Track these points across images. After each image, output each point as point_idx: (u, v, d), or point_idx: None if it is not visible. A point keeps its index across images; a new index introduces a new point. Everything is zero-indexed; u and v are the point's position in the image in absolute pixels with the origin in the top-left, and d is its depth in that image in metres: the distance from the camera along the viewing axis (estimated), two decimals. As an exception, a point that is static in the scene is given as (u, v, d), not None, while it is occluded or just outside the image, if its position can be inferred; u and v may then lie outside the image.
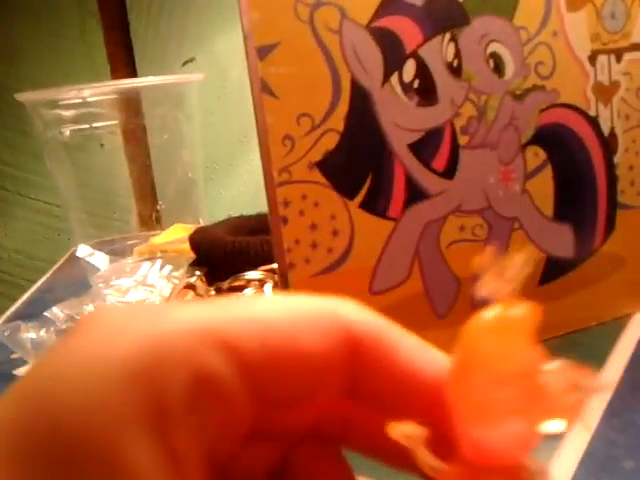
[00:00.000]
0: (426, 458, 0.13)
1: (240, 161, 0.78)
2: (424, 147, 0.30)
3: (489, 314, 0.13)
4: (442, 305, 0.31)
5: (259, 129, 0.28)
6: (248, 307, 0.14)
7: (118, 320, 0.13)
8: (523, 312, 0.14)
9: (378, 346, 0.14)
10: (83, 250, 0.46)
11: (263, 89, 0.27)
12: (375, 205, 0.29)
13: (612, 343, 0.33)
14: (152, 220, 0.59)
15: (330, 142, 0.28)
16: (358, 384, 0.14)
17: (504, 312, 0.13)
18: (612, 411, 0.28)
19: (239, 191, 0.77)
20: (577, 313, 0.34)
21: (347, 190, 0.29)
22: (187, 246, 0.47)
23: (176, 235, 0.55)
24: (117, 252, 0.51)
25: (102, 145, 0.58)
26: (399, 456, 0.14)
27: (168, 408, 0.12)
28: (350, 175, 0.29)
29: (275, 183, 0.28)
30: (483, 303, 0.14)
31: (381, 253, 0.30)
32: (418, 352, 0.14)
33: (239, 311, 0.14)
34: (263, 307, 0.14)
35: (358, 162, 0.29)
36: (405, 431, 0.13)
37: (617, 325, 0.35)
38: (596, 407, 0.28)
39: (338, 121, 0.28)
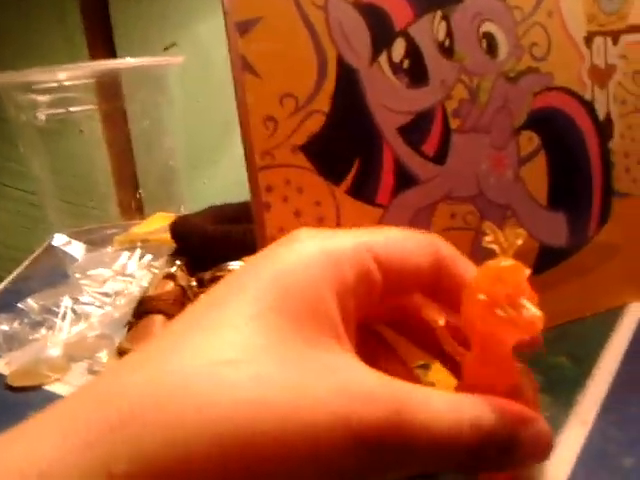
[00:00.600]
0: (447, 339, 0.21)
1: (225, 149, 0.76)
2: (414, 130, 0.28)
3: (492, 262, 0.21)
4: (432, 296, 0.30)
5: (240, 110, 0.26)
6: (386, 233, 0.22)
7: (313, 239, 0.20)
8: (514, 264, 0.20)
9: (454, 263, 0.22)
10: (59, 239, 0.45)
11: (244, 67, 0.26)
12: (362, 191, 0.28)
13: (607, 334, 0.32)
14: (132, 209, 0.57)
15: (315, 124, 0.27)
16: (439, 289, 0.22)
17: (502, 261, 0.21)
18: (608, 405, 0.27)
19: (224, 180, 0.74)
20: (571, 303, 0.33)
21: (333, 175, 0.27)
22: (168, 236, 0.45)
23: (157, 224, 0.53)
24: (96, 242, 0.49)
25: (81, 131, 0.56)
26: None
27: (348, 283, 0.20)
28: (336, 159, 0.27)
29: (257, 167, 0.26)
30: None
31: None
32: (467, 265, 0.23)
33: (381, 235, 0.21)
34: (395, 235, 0.22)
35: (345, 146, 0.27)
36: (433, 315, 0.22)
37: (612, 316, 0.34)
38: (592, 401, 0.27)
39: (324, 102, 0.27)
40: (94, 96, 0.53)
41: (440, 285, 0.22)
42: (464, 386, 0.22)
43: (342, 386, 0.17)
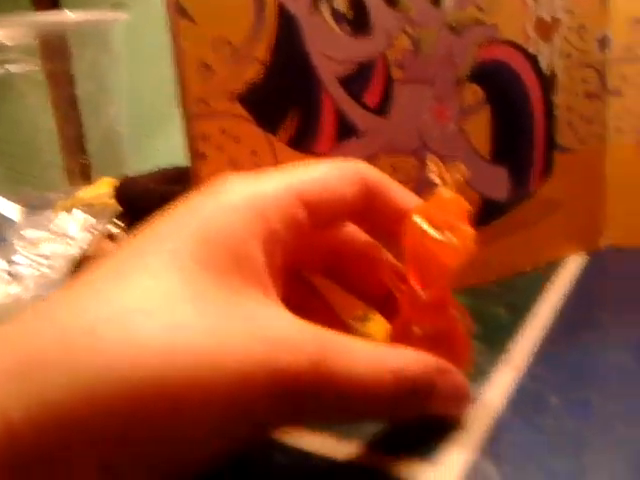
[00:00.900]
0: (389, 273, 0.23)
1: (177, 115, 0.74)
2: (355, 81, 0.28)
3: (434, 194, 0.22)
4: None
5: (175, 56, 0.25)
6: (312, 171, 0.22)
7: (237, 187, 0.20)
8: (455, 196, 0.22)
9: (382, 188, 0.23)
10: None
11: (178, 11, 0.25)
12: (301, 141, 0.27)
13: (545, 286, 0.33)
14: (77, 174, 0.56)
15: (252, 72, 0.26)
16: (366, 213, 0.22)
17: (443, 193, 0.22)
18: (540, 350, 0.27)
19: (177, 146, 0.73)
20: (512, 257, 0.34)
21: (271, 125, 0.27)
22: (113, 200, 0.44)
23: (102, 189, 0.52)
24: (37, 207, 0.47)
25: (25, 96, 0.54)
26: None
27: (274, 231, 0.19)
28: (274, 109, 0.26)
29: (191, 115, 0.25)
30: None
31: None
32: (404, 193, 0.23)
33: (307, 174, 0.21)
34: (317, 170, 0.22)
35: (283, 95, 0.27)
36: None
37: (551, 269, 0.35)
38: (525, 347, 0.27)
39: (261, 49, 0.26)
40: (37, 57, 0.50)
41: (372, 213, 0.23)
42: (399, 325, 0.22)
43: (262, 333, 0.17)
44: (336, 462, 0.21)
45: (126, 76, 0.55)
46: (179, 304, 0.17)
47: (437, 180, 0.22)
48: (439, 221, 0.21)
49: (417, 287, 0.22)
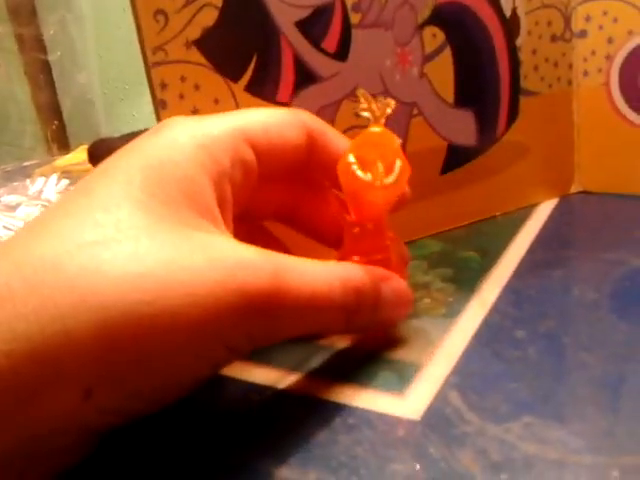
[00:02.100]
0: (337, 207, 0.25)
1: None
2: (313, 25, 0.28)
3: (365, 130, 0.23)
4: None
5: (132, 4, 0.25)
6: (257, 114, 0.22)
7: (185, 126, 0.20)
8: (384, 130, 0.23)
9: (322, 135, 0.24)
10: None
11: (129, -41, 0.25)
12: (262, 88, 0.27)
13: (516, 231, 0.33)
14: (53, 142, 0.55)
15: (208, 18, 0.26)
16: (310, 159, 0.23)
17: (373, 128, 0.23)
18: (508, 289, 0.28)
19: (152, 110, 0.73)
20: (481, 202, 0.34)
21: (230, 72, 0.27)
22: (91, 166, 0.44)
23: (80, 157, 0.52)
24: (15, 175, 0.47)
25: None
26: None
27: (223, 168, 0.20)
28: (232, 55, 0.27)
29: (150, 64, 0.26)
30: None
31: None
32: (342, 140, 0.24)
33: (253, 117, 0.22)
34: (265, 115, 0.22)
35: (241, 41, 0.27)
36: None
37: (522, 214, 0.35)
38: (494, 286, 0.28)
39: (215, -6, 0.26)
40: (6, 21, 0.50)
41: (312, 159, 0.23)
42: (341, 255, 0.23)
43: (220, 257, 0.18)
44: (304, 397, 0.22)
45: (95, 39, 0.55)
46: (133, 234, 0.17)
47: (368, 116, 0.23)
48: (370, 158, 0.22)
49: (354, 221, 0.23)
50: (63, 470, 0.18)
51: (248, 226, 0.24)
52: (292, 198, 0.25)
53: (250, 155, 0.21)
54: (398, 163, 0.22)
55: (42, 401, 0.16)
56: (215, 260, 0.18)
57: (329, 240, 0.25)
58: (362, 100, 0.23)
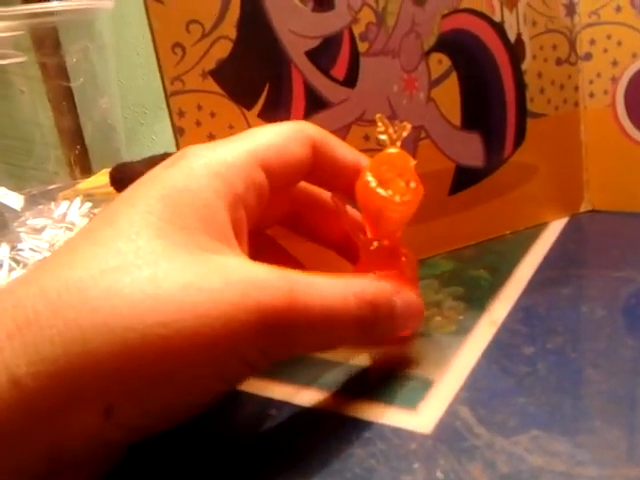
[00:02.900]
0: (350, 224, 0.25)
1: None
2: (322, 54, 0.29)
3: (383, 151, 0.25)
4: (351, 216, 0.31)
5: (152, 38, 0.27)
6: (266, 135, 0.23)
7: (200, 155, 0.22)
8: (400, 151, 0.25)
9: (326, 145, 0.25)
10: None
11: (149, -5, 0.26)
12: (275, 114, 0.28)
13: (525, 250, 0.34)
14: (73, 165, 0.57)
15: (223, 50, 0.27)
16: (315, 171, 0.25)
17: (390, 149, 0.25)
18: (518, 307, 0.28)
19: (172, 134, 0.74)
20: (490, 222, 0.35)
21: (244, 100, 0.28)
22: (113, 189, 0.46)
23: (102, 180, 0.54)
24: (41, 199, 0.49)
25: (22, 91, 0.56)
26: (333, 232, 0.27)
27: (237, 193, 0.21)
28: (246, 84, 0.28)
29: (169, 93, 0.27)
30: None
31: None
32: (345, 148, 0.26)
33: (263, 139, 0.23)
34: (273, 134, 0.23)
35: (253, 71, 0.28)
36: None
37: (531, 234, 0.36)
38: (503, 304, 0.28)
39: (229, 28, 0.27)
40: (30, 49, 0.52)
41: (319, 170, 0.25)
42: (358, 271, 0.24)
43: (236, 278, 0.19)
44: (320, 412, 0.22)
45: (115, 65, 0.56)
46: (153, 260, 0.18)
47: (385, 139, 0.25)
48: (387, 177, 0.23)
49: (371, 238, 0.24)
50: None
51: (257, 238, 0.25)
52: (296, 206, 0.26)
53: (262, 177, 0.22)
54: (413, 183, 0.24)
55: (66, 420, 0.17)
56: (230, 281, 0.18)
57: (334, 247, 0.27)
58: (380, 124, 0.25)
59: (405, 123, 0.24)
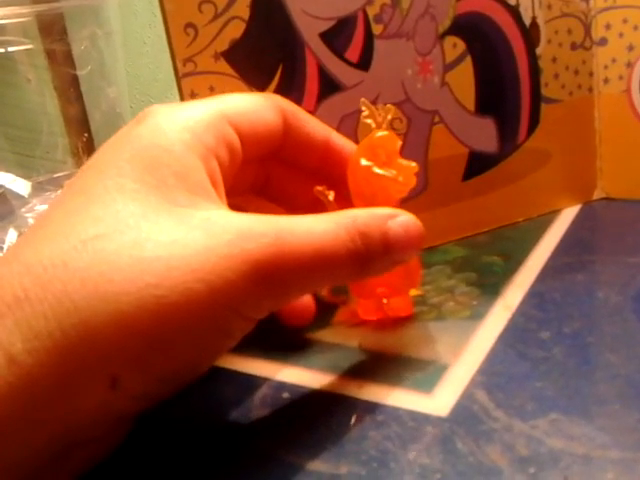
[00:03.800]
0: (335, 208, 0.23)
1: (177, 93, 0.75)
2: (336, 36, 0.29)
3: (370, 135, 0.25)
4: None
5: (164, 18, 0.26)
6: (237, 99, 0.23)
7: (165, 112, 0.21)
8: (389, 133, 0.25)
9: (297, 118, 0.24)
10: (5, 178, 0.45)
11: (161, -25, 0.26)
12: (287, 97, 0.28)
13: (539, 236, 0.33)
14: (80, 153, 0.57)
15: (235, 31, 0.27)
16: (286, 144, 0.24)
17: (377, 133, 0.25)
18: (532, 292, 0.28)
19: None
20: (503, 209, 0.34)
21: (257, 82, 0.28)
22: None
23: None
24: (48, 187, 0.49)
25: (29, 80, 0.56)
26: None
27: (209, 146, 0.20)
28: (259, 66, 0.27)
29: (181, 75, 0.27)
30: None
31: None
32: (315, 122, 0.25)
33: (233, 101, 0.22)
34: (244, 99, 0.23)
35: (267, 52, 0.27)
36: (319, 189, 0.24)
37: (545, 220, 0.35)
38: (518, 290, 0.28)
39: (242, 8, 0.27)
40: (36, 36, 0.52)
41: (287, 140, 0.24)
42: None
43: (220, 230, 0.18)
44: (334, 395, 0.22)
45: (123, 53, 0.56)
46: (133, 223, 0.18)
47: (371, 122, 0.25)
48: (383, 159, 0.24)
49: None
50: (97, 461, 0.18)
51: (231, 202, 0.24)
52: (267, 174, 0.26)
53: (234, 137, 0.22)
54: (407, 164, 0.24)
55: (71, 394, 0.16)
56: (215, 233, 0.18)
57: (301, 212, 0.26)
58: (364, 108, 0.25)
59: (389, 105, 0.25)
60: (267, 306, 0.19)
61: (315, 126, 0.25)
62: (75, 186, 0.19)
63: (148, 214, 0.18)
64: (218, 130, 0.21)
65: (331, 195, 0.24)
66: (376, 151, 0.24)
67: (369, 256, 0.20)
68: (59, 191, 0.46)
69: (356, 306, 0.27)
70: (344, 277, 0.21)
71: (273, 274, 0.18)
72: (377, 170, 0.23)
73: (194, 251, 0.17)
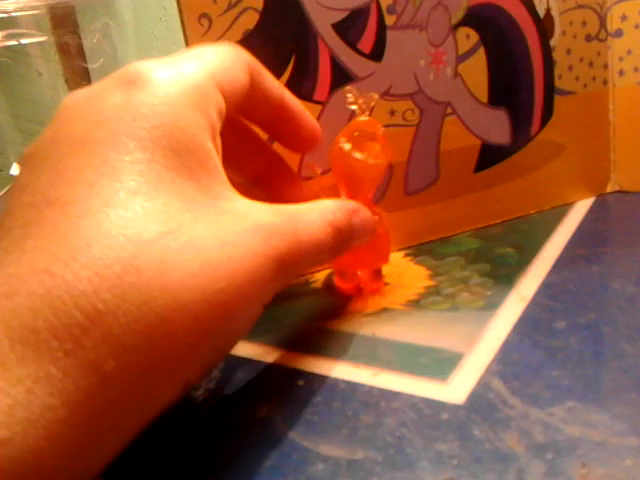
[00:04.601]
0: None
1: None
2: (349, 27, 0.29)
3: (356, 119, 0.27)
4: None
5: (179, 8, 0.26)
6: (217, 56, 0.22)
7: (166, 78, 0.20)
8: (370, 119, 0.27)
9: (259, 73, 0.24)
10: (17, 170, 0.45)
11: (175, -35, 0.26)
12: (300, 88, 0.28)
13: (552, 228, 0.33)
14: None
15: (249, 21, 0.27)
16: (250, 96, 0.23)
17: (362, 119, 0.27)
18: (547, 283, 0.28)
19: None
20: (516, 201, 0.34)
21: (270, 72, 0.27)
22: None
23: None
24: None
25: (40, 74, 0.56)
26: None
27: (215, 125, 0.20)
28: (272, 56, 0.27)
29: (193, 66, 0.27)
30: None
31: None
32: (272, 79, 0.25)
33: (217, 61, 0.21)
34: (222, 57, 0.22)
35: (280, 42, 0.27)
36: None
37: (558, 213, 0.35)
38: (532, 280, 0.28)
39: (256, -1, 0.27)
40: (48, 29, 0.52)
41: (252, 96, 0.24)
42: None
43: (252, 225, 0.19)
44: (349, 383, 0.22)
45: (135, 46, 0.56)
46: (185, 222, 0.17)
47: (355, 107, 0.27)
48: (360, 142, 0.26)
49: (346, 198, 0.27)
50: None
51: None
52: (232, 135, 0.25)
53: (223, 104, 0.21)
54: (380, 147, 0.26)
55: (151, 399, 0.16)
56: (249, 229, 0.19)
57: (253, 175, 0.27)
58: (349, 95, 0.27)
59: (373, 93, 0.26)
60: (279, 289, 0.20)
61: (273, 81, 0.25)
62: (81, 160, 0.17)
63: (191, 210, 0.18)
64: (217, 103, 0.20)
65: (319, 170, 0.28)
66: (354, 135, 0.26)
67: (342, 244, 0.23)
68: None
69: (335, 279, 0.30)
70: (322, 262, 0.24)
71: (291, 267, 0.20)
72: (350, 151, 0.26)
73: (240, 251, 0.18)
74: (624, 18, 0.35)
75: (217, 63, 0.21)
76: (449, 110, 0.31)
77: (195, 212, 0.18)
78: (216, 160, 0.20)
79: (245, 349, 0.25)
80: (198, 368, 0.18)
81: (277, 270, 0.19)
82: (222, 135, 0.21)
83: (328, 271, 0.31)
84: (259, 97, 0.24)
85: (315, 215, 0.22)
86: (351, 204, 0.24)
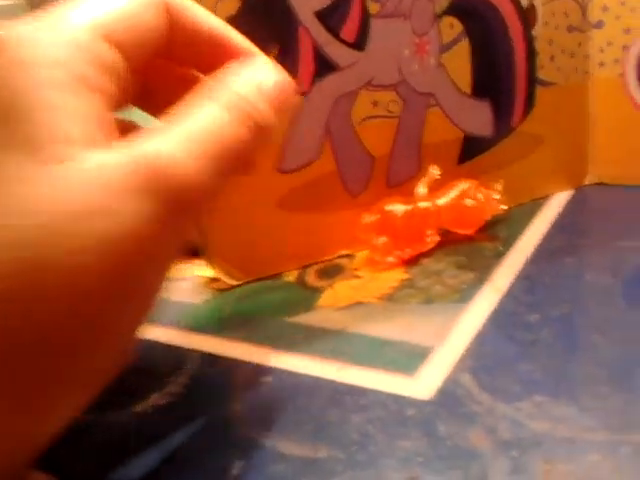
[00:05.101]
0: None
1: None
2: (332, 15, 0.28)
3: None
4: (355, 184, 0.31)
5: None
6: (109, 2, 0.19)
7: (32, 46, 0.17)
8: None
9: (182, 10, 0.21)
10: None
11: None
12: (281, 77, 0.28)
13: (529, 220, 0.33)
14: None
15: (230, 7, 0.27)
16: (171, 41, 0.21)
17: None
18: (523, 275, 0.28)
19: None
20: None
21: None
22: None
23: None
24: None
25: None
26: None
27: (95, 85, 0.18)
28: (254, 44, 0.27)
29: (173, 53, 0.26)
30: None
31: (289, 130, 0.29)
32: (204, 14, 0.22)
33: (107, 6, 0.19)
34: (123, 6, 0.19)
35: (261, 30, 0.27)
36: None
37: (535, 205, 0.35)
38: (508, 272, 0.28)
39: (237, -15, 0.27)
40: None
41: (175, 36, 0.21)
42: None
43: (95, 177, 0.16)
44: (316, 379, 0.22)
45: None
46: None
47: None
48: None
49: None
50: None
51: None
52: (149, 83, 0.23)
53: (115, 56, 0.19)
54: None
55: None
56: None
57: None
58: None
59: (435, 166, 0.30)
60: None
61: (208, 19, 0.22)
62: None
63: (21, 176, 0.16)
64: (95, 55, 0.18)
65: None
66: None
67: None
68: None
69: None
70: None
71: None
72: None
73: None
74: (605, 9, 0.35)
75: (106, 12, 0.19)
76: (432, 101, 0.31)
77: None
78: (59, 116, 0.17)
79: (214, 345, 0.25)
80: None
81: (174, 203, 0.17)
82: (148, 84, 0.21)
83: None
84: (185, 36, 0.21)
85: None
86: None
